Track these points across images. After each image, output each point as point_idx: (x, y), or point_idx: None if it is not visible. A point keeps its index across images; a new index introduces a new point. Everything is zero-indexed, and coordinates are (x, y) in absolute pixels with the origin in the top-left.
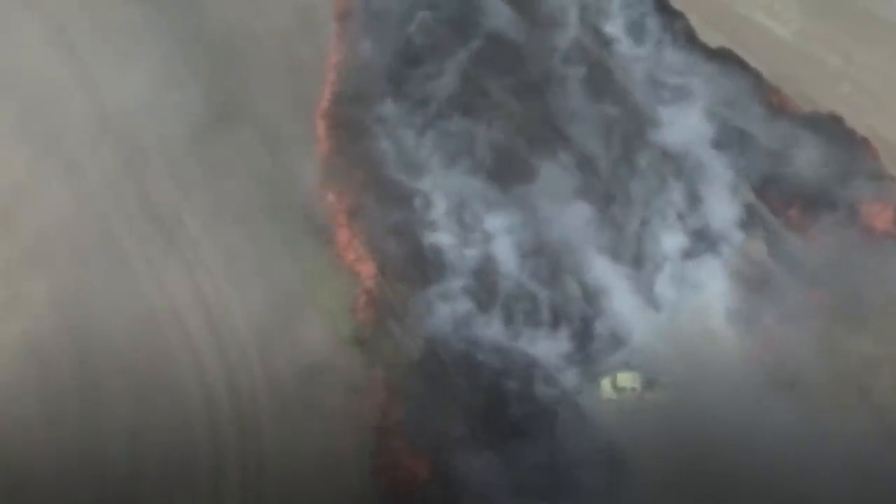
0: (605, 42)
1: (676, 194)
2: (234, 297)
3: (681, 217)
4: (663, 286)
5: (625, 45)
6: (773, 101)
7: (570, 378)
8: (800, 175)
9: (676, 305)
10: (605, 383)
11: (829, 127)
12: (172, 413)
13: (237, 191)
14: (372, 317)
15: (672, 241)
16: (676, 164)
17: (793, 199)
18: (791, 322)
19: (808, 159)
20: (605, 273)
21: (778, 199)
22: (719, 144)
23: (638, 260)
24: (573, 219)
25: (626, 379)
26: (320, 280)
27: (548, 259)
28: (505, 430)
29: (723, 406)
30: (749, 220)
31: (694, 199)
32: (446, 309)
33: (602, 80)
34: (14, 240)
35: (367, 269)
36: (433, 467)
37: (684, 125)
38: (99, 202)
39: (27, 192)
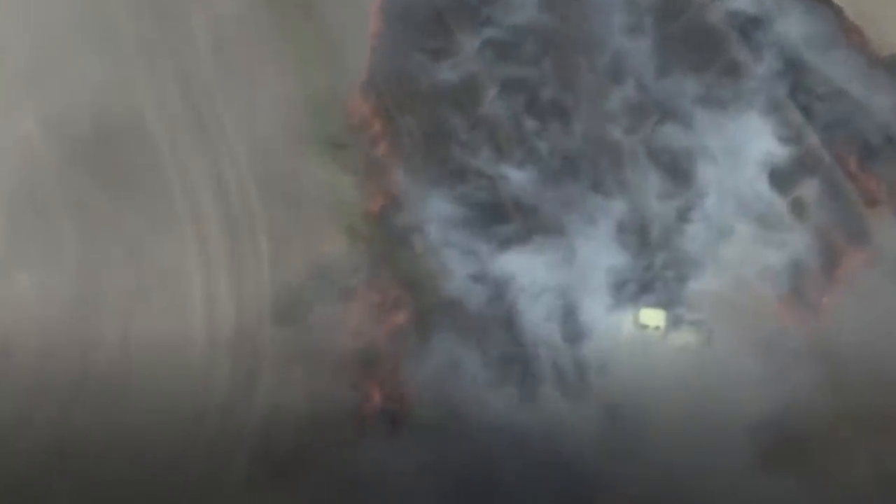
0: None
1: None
2: (255, 193)
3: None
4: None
5: None
6: (853, 41)
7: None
8: (868, 121)
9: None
10: (627, 319)
11: None
12: (170, 298)
13: (278, 84)
14: (394, 228)
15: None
16: (740, 205)
17: (856, 147)
18: (833, 277)
19: (878, 105)
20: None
21: (841, 144)
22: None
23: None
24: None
25: (651, 316)
26: (347, 186)
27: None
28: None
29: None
30: (807, 164)
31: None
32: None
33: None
34: (35, 102)
35: (395, 178)
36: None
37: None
38: (132, 75)
39: (56, 54)
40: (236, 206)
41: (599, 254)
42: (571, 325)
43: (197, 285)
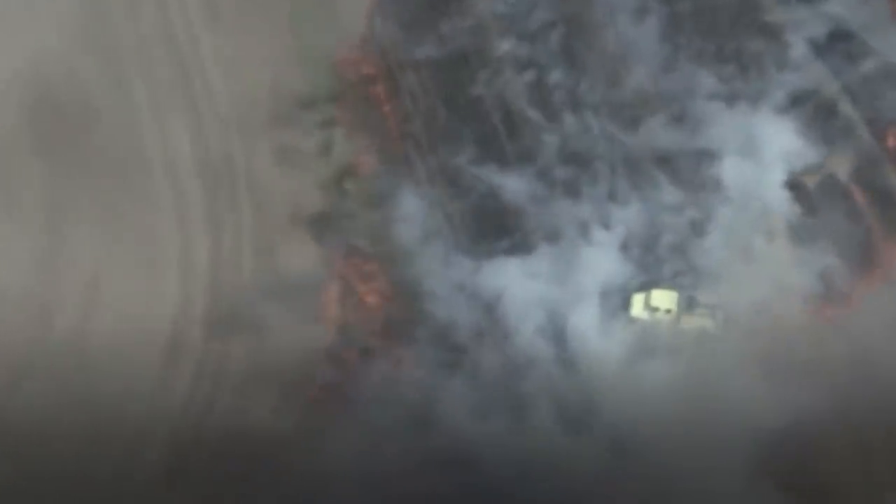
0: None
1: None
2: (238, 153)
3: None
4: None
5: None
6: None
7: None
8: None
9: None
10: (637, 300)
11: None
12: (141, 264)
13: (269, 37)
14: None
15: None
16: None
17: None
18: (868, 273)
19: None
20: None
21: (880, 119)
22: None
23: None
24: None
25: (662, 298)
26: (335, 146)
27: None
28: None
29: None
30: (842, 136)
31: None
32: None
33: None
34: (5, 46)
35: (394, 126)
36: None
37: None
38: (111, 20)
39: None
40: (219, 168)
41: (602, 265)
42: (568, 341)
43: (171, 250)
